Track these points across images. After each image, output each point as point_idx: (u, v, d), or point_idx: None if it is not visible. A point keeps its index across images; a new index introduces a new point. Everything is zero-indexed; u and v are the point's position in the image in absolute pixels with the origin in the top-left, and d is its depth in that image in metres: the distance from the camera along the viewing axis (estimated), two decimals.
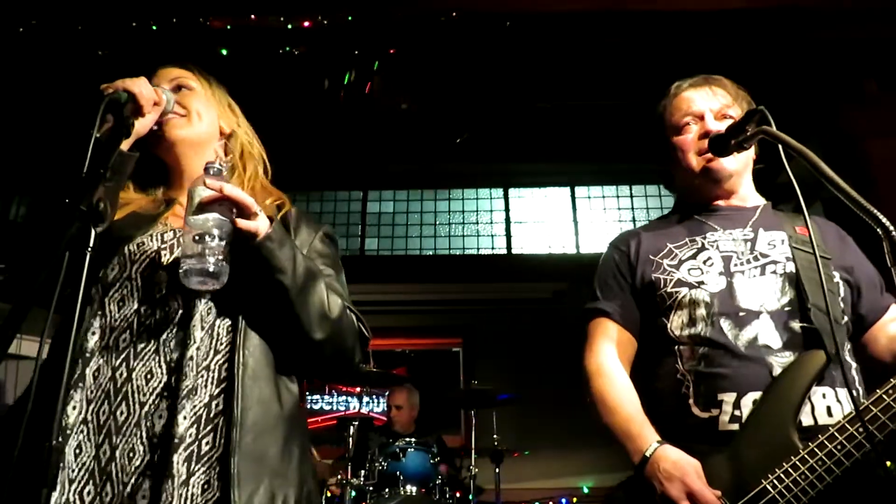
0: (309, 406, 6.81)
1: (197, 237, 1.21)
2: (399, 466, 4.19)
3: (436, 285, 7.01)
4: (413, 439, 4.43)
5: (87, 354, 1.25)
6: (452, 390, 6.25)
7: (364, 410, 6.46)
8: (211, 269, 1.21)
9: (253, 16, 4.36)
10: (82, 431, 1.21)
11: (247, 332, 1.31)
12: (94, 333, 1.26)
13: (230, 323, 1.32)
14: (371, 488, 4.12)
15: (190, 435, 1.21)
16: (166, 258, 1.33)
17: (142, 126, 1.33)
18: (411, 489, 4.11)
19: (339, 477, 4.21)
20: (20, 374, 5.33)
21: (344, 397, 6.84)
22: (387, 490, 4.11)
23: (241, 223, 1.26)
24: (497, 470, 4.59)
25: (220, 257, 1.22)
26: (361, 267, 7.18)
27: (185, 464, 1.18)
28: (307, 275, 1.34)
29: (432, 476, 4.26)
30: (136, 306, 1.29)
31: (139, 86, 1.30)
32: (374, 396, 6.61)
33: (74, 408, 1.21)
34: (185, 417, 1.20)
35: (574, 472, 6.08)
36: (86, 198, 1.05)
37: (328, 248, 1.54)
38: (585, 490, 6.04)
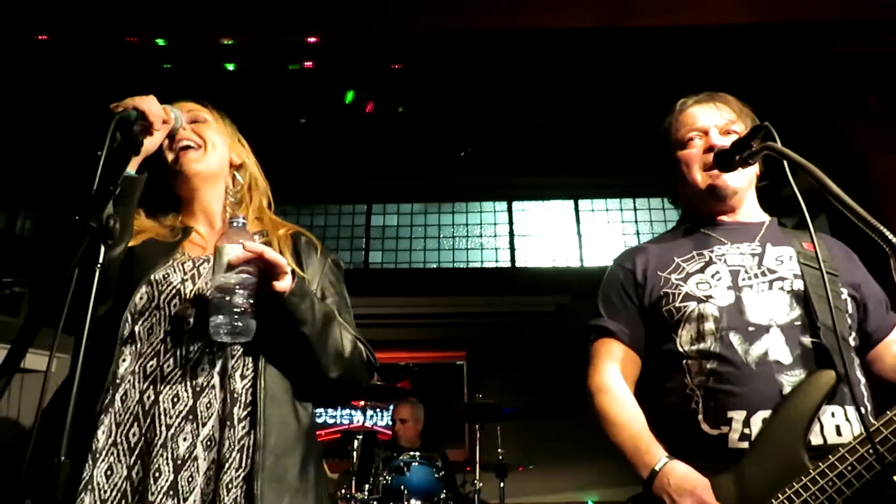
0: None
1: (227, 296, 1.26)
2: (403, 481, 4.18)
3: (440, 298, 7.01)
4: (417, 453, 4.41)
5: (118, 381, 1.28)
6: (456, 404, 6.21)
7: (368, 424, 6.45)
8: (240, 326, 1.27)
9: (259, 32, 4.39)
10: (112, 454, 1.24)
11: (269, 353, 1.37)
12: (125, 360, 1.30)
13: (255, 348, 1.36)
14: (375, 502, 4.10)
15: (229, 459, 1.26)
16: (189, 289, 1.37)
17: (151, 144, 1.35)
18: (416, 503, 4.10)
19: (344, 491, 4.20)
20: (24, 388, 5.33)
21: (348, 411, 6.82)
22: None
23: (277, 286, 1.31)
24: (501, 484, 4.57)
25: (249, 314, 1.28)
26: (365, 280, 7.19)
27: (226, 486, 1.24)
28: (324, 320, 1.41)
29: (437, 490, 4.25)
30: (162, 336, 1.33)
31: (148, 103, 1.32)
32: (378, 410, 6.60)
33: (104, 432, 1.24)
34: (229, 443, 1.26)
35: (579, 486, 6.05)
36: (96, 215, 1.06)
37: (337, 278, 1.60)
38: None
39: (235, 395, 1.30)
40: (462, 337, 7.08)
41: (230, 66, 4.52)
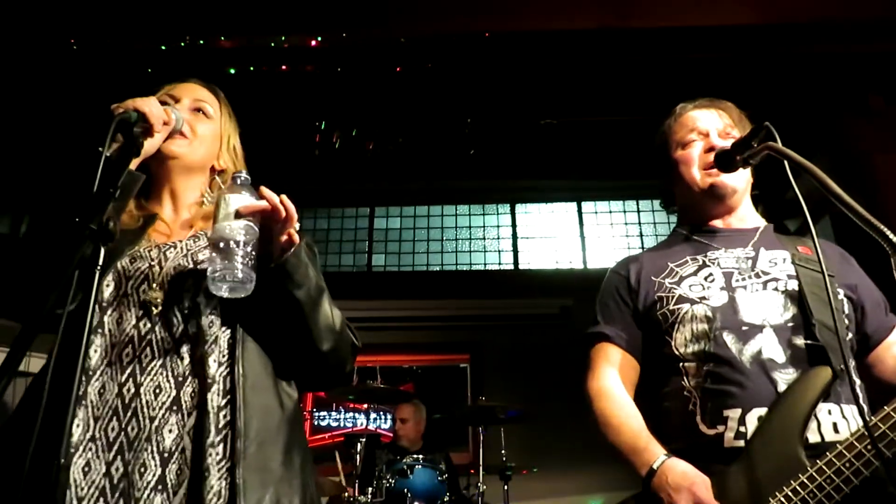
0: (316, 423, 6.79)
1: (232, 243, 1.22)
2: (407, 484, 4.17)
3: (443, 301, 7.00)
4: (420, 456, 4.41)
5: (90, 372, 1.25)
6: (460, 407, 6.20)
7: (371, 427, 6.45)
8: (241, 277, 1.23)
9: (261, 35, 4.40)
10: (90, 449, 1.21)
11: (245, 342, 1.33)
12: (95, 351, 1.27)
13: (230, 334, 1.33)
14: None
15: (211, 446, 1.23)
16: (157, 273, 1.35)
17: (151, 145, 1.34)
18: None
19: (347, 494, 4.19)
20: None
21: (351, 414, 6.83)
22: None
23: (294, 235, 1.30)
24: (505, 487, 4.56)
25: (251, 266, 1.24)
26: (368, 283, 7.20)
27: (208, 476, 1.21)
28: (318, 289, 1.38)
29: (440, 493, 4.24)
30: (134, 322, 1.30)
31: (149, 105, 1.31)
32: (381, 413, 6.60)
33: (78, 426, 1.21)
34: (208, 432, 1.23)
35: (583, 489, 6.03)
36: (96, 217, 1.06)
37: (312, 261, 1.56)
38: None
39: (210, 381, 1.27)
40: (465, 340, 7.07)
41: (231, 70, 4.53)
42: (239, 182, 1.30)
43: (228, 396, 1.28)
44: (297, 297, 1.33)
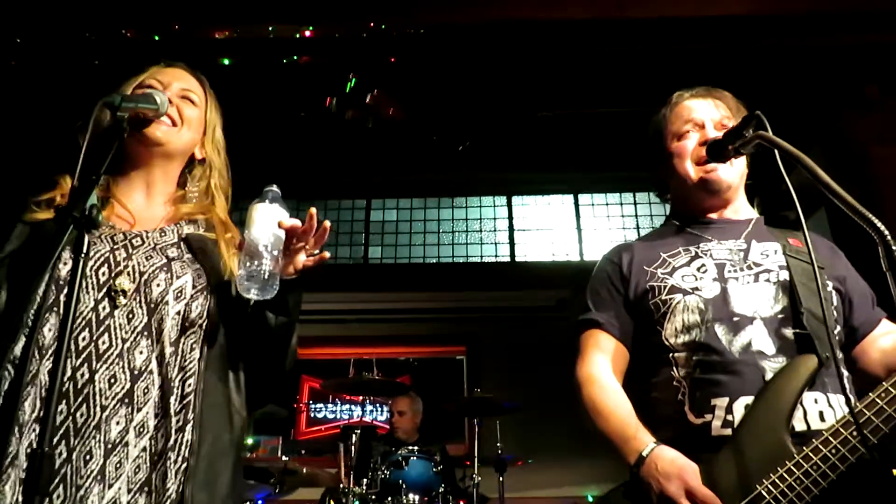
0: (312, 415, 6.80)
1: (262, 248, 1.30)
2: (402, 475, 4.17)
3: (439, 293, 7.00)
4: (416, 448, 4.41)
5: (43, 350, 1.23)
6: (456, 399, 6.21)
7: (367, 419, 6.45)
8: (272, 280, 1.31)
9: (255, 25, 4.37)
10: (34, 430, 1.19)
11: (209, 354, 1.34)
12: (50, 330, 1.24)
13: (193, 341, 1.34)
14: (374, 497, 4.10)
15: (171, 449, 1.24)
16: (122, 258, 1.33)
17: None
18: (414, 498, 4.09)
19: (342, 485, 4.19)
20: None
21: (347, 406, 6.83)
22: (389, 499, 4.09)
23: (324, 256, 1.36)
24: (501, 479, 4.56)
25: (277, 270, 1.32)
26: (365, 275, 7.19)
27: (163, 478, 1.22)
28: (298, 313, 1.42)
29: (435, 485, 4.24)
30: (92, 304, 1.28)
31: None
32: (376, 405, 6.60)
33: (30, 405, 1.20)
34: (166, 434, 1.25)
35: (578, 481, 6.04)
36: (79, 204, 1.05)
37: None
38: (590, 499, 6.00)
39: (172, 385, 1.27)
40: (462, 332, 7.08)
41: (226, 61, 4.50)
42: (271, 196, 1.36)
43: (185, 402, 1.29)
44: (287, 319, 1.37)
